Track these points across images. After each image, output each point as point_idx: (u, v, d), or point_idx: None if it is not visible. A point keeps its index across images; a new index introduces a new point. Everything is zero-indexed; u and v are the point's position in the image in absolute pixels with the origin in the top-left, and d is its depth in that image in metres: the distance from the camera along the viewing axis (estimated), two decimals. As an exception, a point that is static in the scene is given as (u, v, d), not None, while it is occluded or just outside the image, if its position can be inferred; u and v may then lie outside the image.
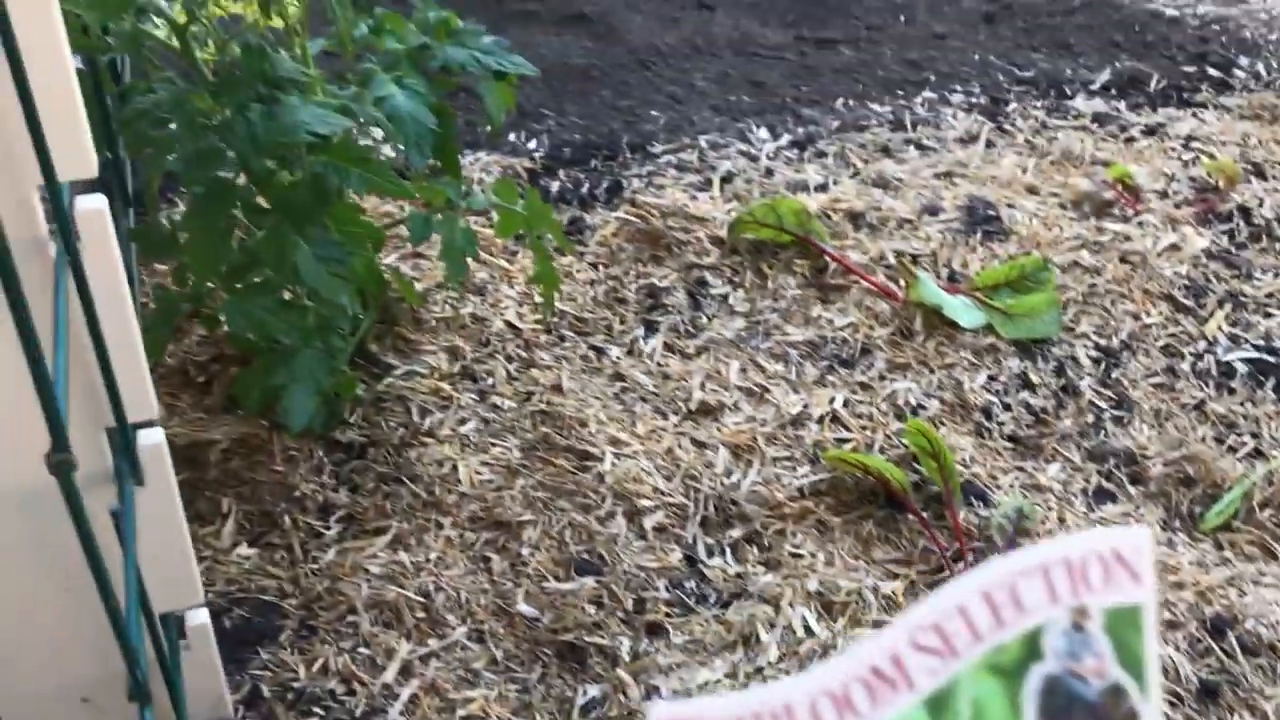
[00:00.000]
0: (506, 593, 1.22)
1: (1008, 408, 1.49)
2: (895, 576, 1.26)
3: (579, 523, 1.29)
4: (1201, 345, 1.61)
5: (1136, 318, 1.64)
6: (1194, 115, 2.12)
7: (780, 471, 1.37)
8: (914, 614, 0.30)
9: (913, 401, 1.47)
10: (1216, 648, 1.20)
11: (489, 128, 1.86)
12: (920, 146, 1.99)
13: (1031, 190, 1.88)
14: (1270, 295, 1.71)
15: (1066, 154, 1.97)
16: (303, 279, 1.08)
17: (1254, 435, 1.48)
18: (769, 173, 1.88)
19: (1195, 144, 2.02)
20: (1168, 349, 1.60)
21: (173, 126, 1.06)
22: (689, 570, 1.26)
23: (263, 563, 1.23)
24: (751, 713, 0.28)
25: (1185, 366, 1.57)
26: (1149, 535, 0.31)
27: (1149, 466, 1.42)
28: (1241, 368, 1.58)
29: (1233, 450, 1.46)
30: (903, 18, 2.44)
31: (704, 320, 1.59)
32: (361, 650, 1.16)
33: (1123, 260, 1.73)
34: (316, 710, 1.11)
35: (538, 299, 1.56)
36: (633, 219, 1.72)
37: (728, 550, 1.29)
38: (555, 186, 1.83)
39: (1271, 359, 1.60)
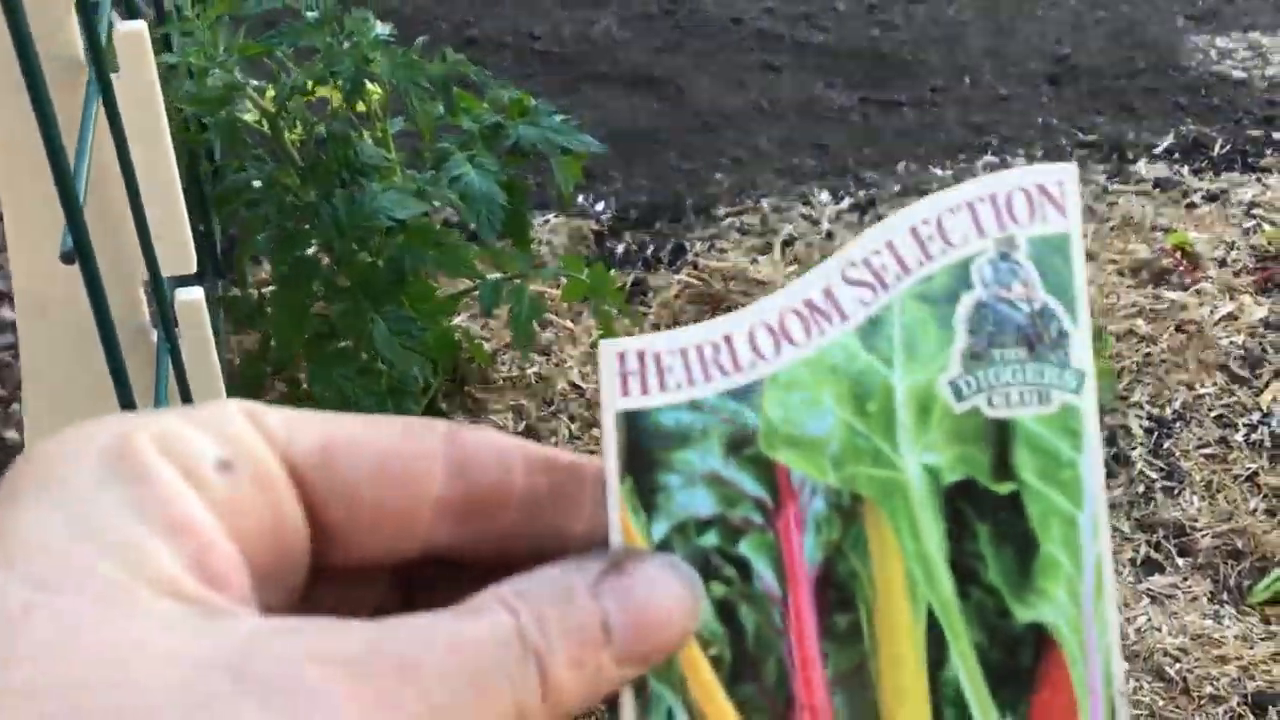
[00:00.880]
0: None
1: (1058, 476, 1.51)
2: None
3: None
4: (1256, 416, 1.62)
5: (1190, 387, 1.66)
6: (1258, 180, 2.13)
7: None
8: (844, 250, 0.31)
9: (964, 468, 1.51)
10: (1258, 724, 1.22)
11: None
12: (980, 211, 2.02)
13: (1090, 256, 1.91)
14: (1328, 366, 1.72)
15: (1126, 220, 2.00)
16: (378, 351, 1.15)
17: (1306, 509, 1.49)
18: (829, 235, 1.93)
19: (1257, 211, 2.03)
20: (1221, 419, 1.62)
21: (262, 207, 1.14)
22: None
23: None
24: (694, 344, 0.30)
25: (1239, 438, 1.59)
26: (1074, 170, 0.31)
27: (1198, 538, 1.44)
28: (1295, 440, 1.59)
29: (1284, 524, 1.47)
30: (967, 79, 2.48)
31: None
32: None
33: (1179, 329, 1.75)
34: None
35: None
36: (694, 282, 1.78)
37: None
38: (620, 248, 1.90)
39: (1327, 431, 1.61)
